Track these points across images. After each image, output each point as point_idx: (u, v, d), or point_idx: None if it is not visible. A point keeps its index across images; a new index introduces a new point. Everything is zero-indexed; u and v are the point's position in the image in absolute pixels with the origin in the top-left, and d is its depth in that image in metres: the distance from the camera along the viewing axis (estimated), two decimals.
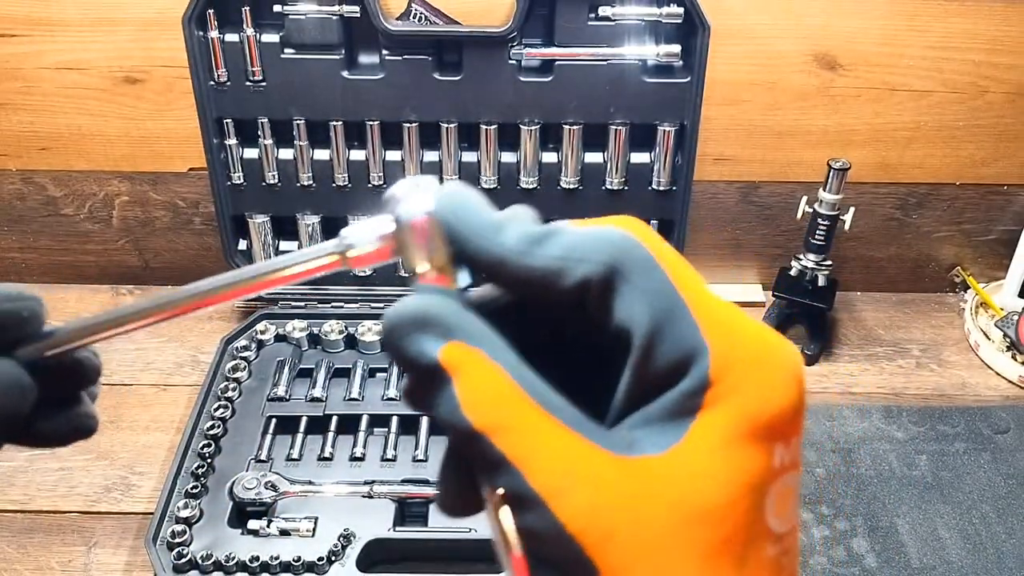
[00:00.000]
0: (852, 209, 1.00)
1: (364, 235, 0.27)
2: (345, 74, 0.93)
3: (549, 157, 0.99)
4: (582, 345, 0.28)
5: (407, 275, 0.27)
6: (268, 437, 0.88)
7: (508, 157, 0.99)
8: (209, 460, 0.85)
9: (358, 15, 0.91)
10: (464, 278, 0.27)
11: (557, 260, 0.25)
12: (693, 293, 0.25)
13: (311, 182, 0.99)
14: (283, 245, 1.04)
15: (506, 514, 0.25)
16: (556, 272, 0.25)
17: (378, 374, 0.96)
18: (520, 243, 0.26)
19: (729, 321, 0.25)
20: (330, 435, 0.89)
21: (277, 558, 0.76)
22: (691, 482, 0.24)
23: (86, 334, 0.30)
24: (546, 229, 0.26)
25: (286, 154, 0.98)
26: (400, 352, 0.25)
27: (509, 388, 0.24)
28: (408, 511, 0.82)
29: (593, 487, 0.24)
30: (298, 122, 0.96)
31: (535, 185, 0.99)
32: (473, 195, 0.27)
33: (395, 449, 0.87)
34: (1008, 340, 1.04)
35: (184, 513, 0.79)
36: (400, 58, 0.93)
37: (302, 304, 1.03)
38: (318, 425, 0.90)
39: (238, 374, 0.95)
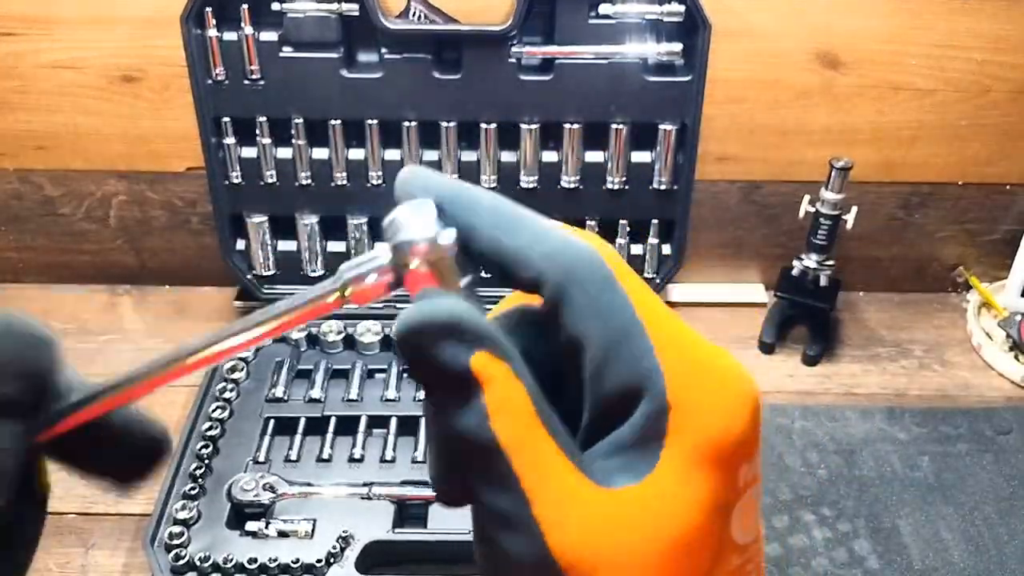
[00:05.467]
0: (854, 209, 0.99)
1: (362, 270, 0.26)
2: (344, 73, 0.93)
3: (549, 156, 0.98)
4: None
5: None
6: (266, 438, 0.88)
7: (508, 156, 0.98)
8: (207, 461, 0.84)
9: (357, 13, 0.90)
10: (465, 280, 0.26)
11: (523, 247, 0.25)
12: (651, 314, 0.25)
13: (310, 181, 0.98)
14: (281, 245, 1.03)
15: None
16: (519, 259, 0.25)
17: (377, 375, 0.96)
18: (495, 219, 0.26)
19: (684, 344, 0.25)
20: (329, 436, 0.88)
21: (275, 560, 0.75)
22: (665, 511, 0.24)
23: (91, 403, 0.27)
24: (522, 214, 0.26)
25: (284, 153, 0.97)
26: (428, 357, 0.24)
27: (530, 409, 0.24)
28: (407, 513, 0.82)
29: (585, 521, 0.24)
30: (296, 121, 0.95)
31: (535, 184, 0.99)
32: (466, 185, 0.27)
33: (394, 450, 0.87)
34: (1011, 341, 1.03)
35: (182, 515, 0.78)
36: (399, 57, 0.93)
37: None
38: (316, 426, 0.89)
39: (236, 375, 0.94)
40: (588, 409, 0.26)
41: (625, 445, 0.25)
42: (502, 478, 0.24)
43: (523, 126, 0.95)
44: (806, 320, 1.07)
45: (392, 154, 0.98)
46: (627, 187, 0.99)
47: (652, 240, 1.03)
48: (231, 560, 0.75)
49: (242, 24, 0.90)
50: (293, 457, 0.86)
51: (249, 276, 1.04)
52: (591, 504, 0.24)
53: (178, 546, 0.76)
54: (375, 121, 0.95)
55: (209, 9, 0.89)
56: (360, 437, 0.88)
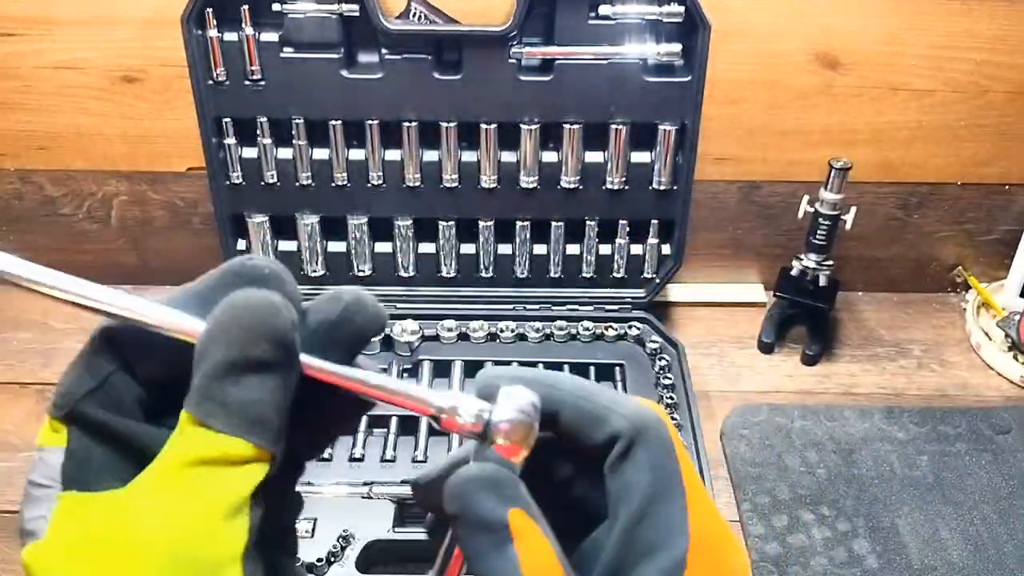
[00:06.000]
0: (853, 209, 0.99)
1: (470, 411, 0.29)
2: (344, 73, 0.93)
3: (549, 157, 0.98)
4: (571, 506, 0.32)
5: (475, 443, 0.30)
6: None
7: (508, 157, 0.98)
8: None
9: (357, 14, 0.90)
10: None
11: (605, 408, 0.30)
12: (692, 481, 0.29)
13: (310, 181, 0.99)
14: (281, 245, 1.03)
15: None
16: (600, 418, 0.30)
17: None
18: (578, 389, 0.31)
19: (711, 521, 0.29)
20: None
21: None
22: None
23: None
24: (597, 385, 0.31)
25: (285, 153, 0.97)
26: (471, 506, 0.28)
27: (556, 563, 0.27)
28: (407, 512, 0.82)
29: None
30: (297, 121, 0.95)
31: (535, 185, 0.99)
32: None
33: (394, 450, 0.87)
34: (1010, 340, 1.04)
35: None
36: (399, 57, 0.93)
37: None
38: None
39: None
40: (612, 553, 0.29)
41: None
42: None
43: (523, 126, 0.95)
44: (805, 320, 1.07)
45: (392, 154, 0.98)
46: (627, 187, 1.00)
47: (652, 240, 1.03)
48: None
49: (243, 25, 0.91)
50: None
51: None
52: None
53: None
54: (375, 121, 0.95)
55: (210, 10, 0.90)
56: (360, 437, 0.88)
